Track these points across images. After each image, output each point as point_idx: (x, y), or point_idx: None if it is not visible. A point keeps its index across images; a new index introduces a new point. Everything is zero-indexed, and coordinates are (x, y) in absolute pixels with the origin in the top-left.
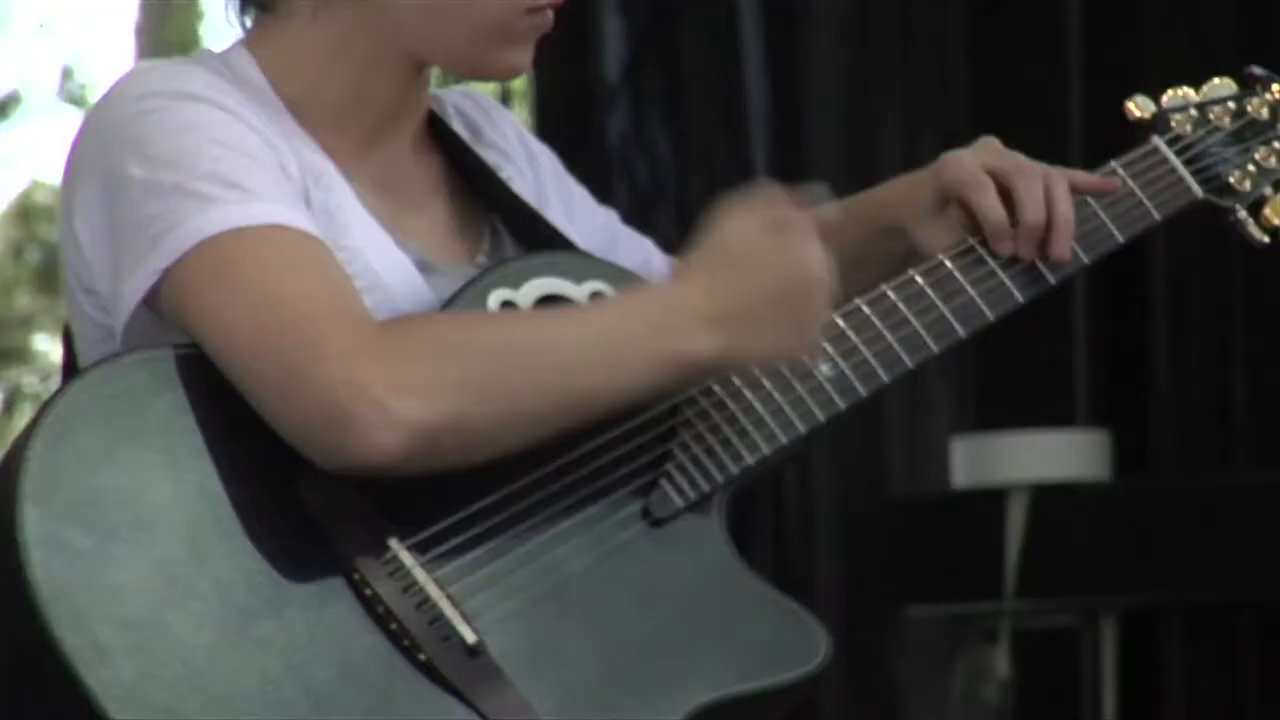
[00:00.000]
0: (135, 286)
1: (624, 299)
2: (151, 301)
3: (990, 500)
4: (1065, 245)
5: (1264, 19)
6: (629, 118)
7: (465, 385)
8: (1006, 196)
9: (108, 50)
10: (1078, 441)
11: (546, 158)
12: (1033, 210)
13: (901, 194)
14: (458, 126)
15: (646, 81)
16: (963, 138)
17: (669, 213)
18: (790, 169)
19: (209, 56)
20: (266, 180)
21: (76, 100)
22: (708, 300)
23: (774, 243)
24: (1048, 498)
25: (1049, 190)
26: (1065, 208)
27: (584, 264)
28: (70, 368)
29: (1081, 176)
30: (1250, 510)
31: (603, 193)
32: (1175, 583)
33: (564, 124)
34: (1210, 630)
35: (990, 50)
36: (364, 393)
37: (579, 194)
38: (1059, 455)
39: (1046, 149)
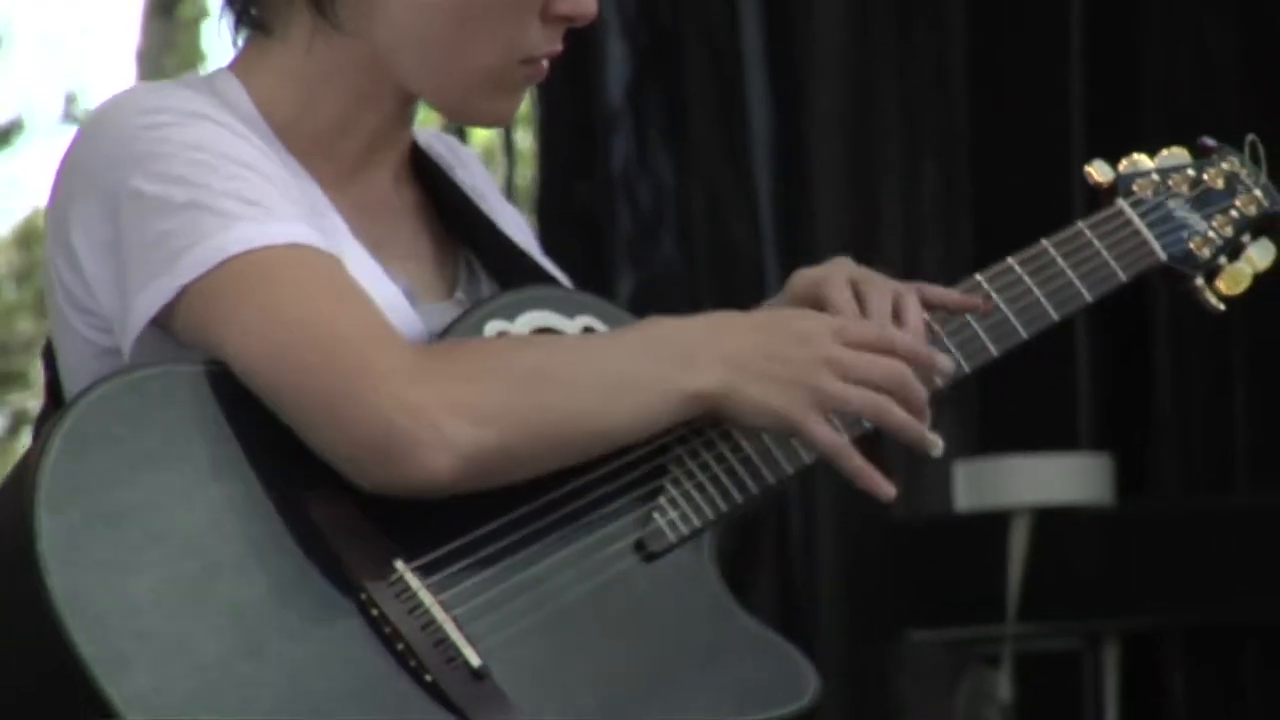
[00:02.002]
0: (149, 302)
1: (639, 334)
2: (162, 319)
3: (992, 523)
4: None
5: (1266, 23)
6: (631, 140)
7: (510, 409)
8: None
9: (110, 76)
10: (1080, 465)
11: (513, 213)
12: (878, 318)
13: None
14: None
15: (649, 104)
16: (963, 157)
17: (671, 235)
18: (792, 192)
19: (196, 82)
20: (282, 200)
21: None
22: (712, 337)
23: (789, 311)
24: (1050, 521)
25: (897, 301)
26: (914, 317)
27: (575, 299)
28: (53, 387)
29: (938, 292)
30: (1252, 533)
31: (605, 215)
32: (1178, 606)
33: (567, 147)
34: (1213, 653)
35: (989, 68)
36: (417, 415)
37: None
38: (1061, 479)
39: (1046, 153)
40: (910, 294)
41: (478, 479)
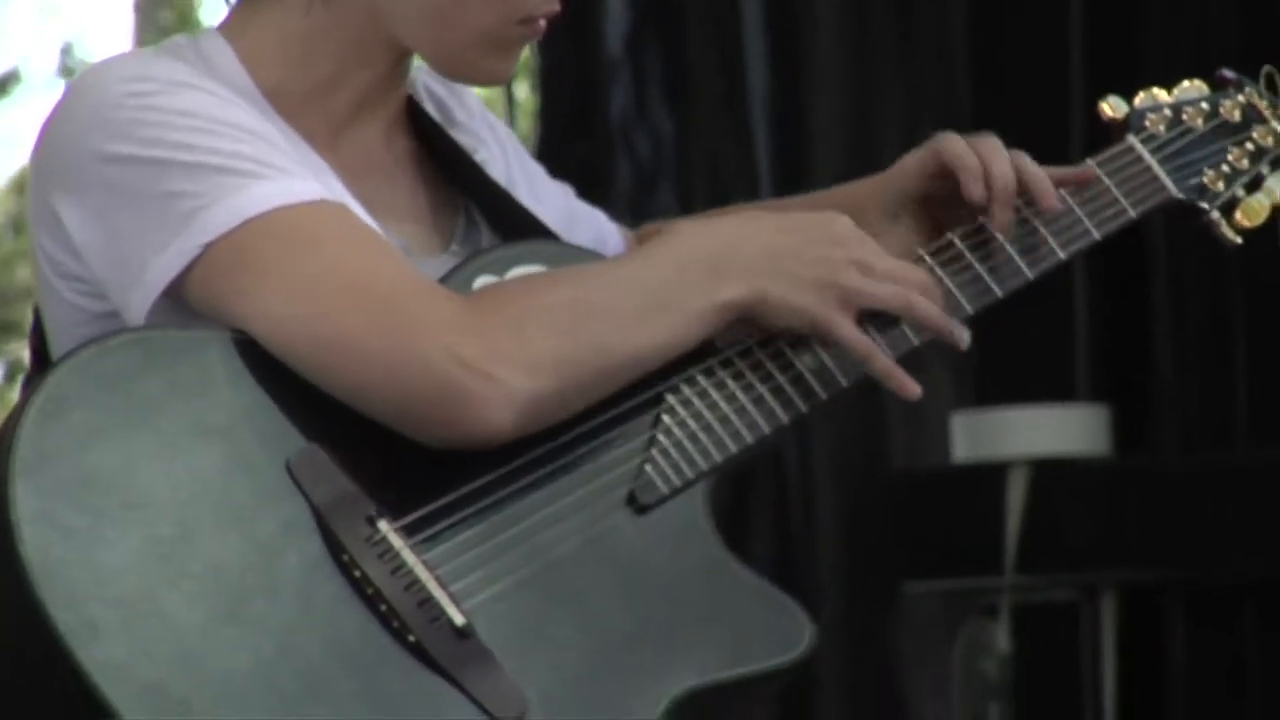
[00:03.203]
0: (166, 265)
1: (665, 251)
2: (174, 285)
3: (990, 475)
4: (1049, 196)
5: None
6: (630, 93)
7: (560, 352)
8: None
9: (107, 28)
10: (1077, 417)
11: (507, 135)
12: (1001, 168)
13: (857, 198)
14: (429, 108)
15: (648, 58)
16: (963, 113)
17: (670, 188)
18: (791, 144)
19: (181, 46)
20: (289, 159)
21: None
22: (739, 243)
23: (816, 214)
24: (1047, 473)
25: (1014, 157)
26: (1033, 167)
27: (565, 252)
28: (39, 349)
29: (1056, 170)
30: (1250, 485)
31: (605, 168)
32: (1175, 557)
33: (566, 100)
34: (1210, 605)
35: (990, 25)
36: (473, 369)
37: (536, 170)
38: (1059, 430)
39: (1047, 139)
40: (1020, 154)
41: (534, 424)
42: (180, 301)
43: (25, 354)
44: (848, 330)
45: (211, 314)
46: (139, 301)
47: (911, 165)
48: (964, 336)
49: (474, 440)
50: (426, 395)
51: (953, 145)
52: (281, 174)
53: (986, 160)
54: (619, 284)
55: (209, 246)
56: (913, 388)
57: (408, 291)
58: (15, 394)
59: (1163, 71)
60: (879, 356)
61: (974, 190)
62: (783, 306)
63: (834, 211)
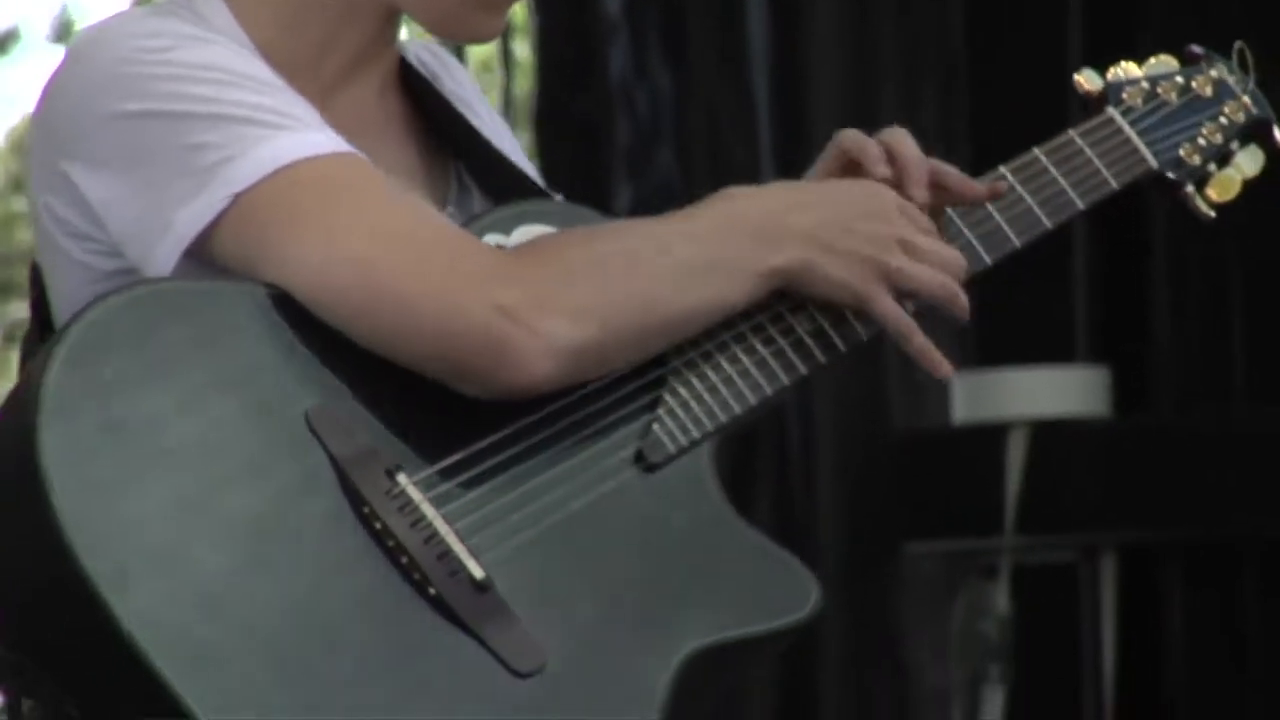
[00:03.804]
0: (194, 217)
1: (714, 213)
2: (198, 241)
3: (990, 437)
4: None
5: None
6: (630, 53)
7: (602, 304)
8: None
9: None
10: (1077, 378)
11: (499, 121)
12: (907, 149)
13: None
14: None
15: (647, 16)
16: (961, 73)
17: (670, 148)
18: (790, 102)
19: (177, 5)
20: (309, 113)
21: (74, 37)
22: (788, 212)
23: (860, 184)
24: (1047, 434)
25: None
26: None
27: (572, 212)
28: (40, 308)
29: (958, 179)
30: (1249, 446)
31: (604, 127)
32: (1175, 518)
33: (566, 59)
34: (1210, 565)
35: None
36: (514, 318)
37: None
38: (1058, 391)
39: (1044, 65)
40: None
41: (575, 375)
42: (201, 257)
43: (26, 315)
44: (889, 308)
45: (241, 265)
46: (164, 256)
47: (820, 169)
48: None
49: (513, 389)
50: (467, 343)
51: (850, 134)
52: (304, 126)
53: (890, 143)
54: (668, 241)
55: (238, 197)
56: (946, 368)
57: (449, 240)
58: (15, 356)
59: (1163, 42)
60: (918, 335)
61: (877, 170)
62: (827, 279)
63: (879, 184)
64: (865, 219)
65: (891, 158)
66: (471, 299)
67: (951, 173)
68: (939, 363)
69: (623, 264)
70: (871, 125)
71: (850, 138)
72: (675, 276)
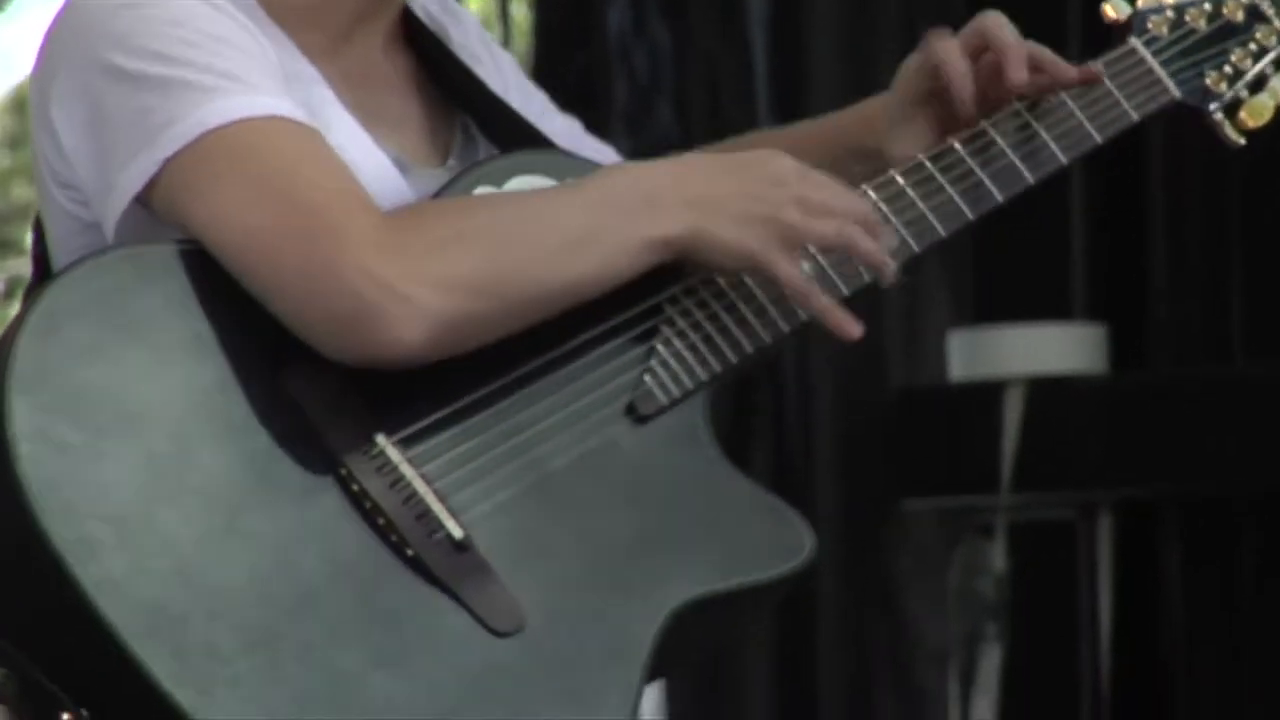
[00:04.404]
0: (131, 179)
1: (601, 183)
2: (145, 196)
3: (987, 394)
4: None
5: None
6: (628, 9)
7: (476, 274)
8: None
9: None
10: (1074, 334)
11: (509, 64)
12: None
13: (866, 114)
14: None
15: None
16: (958, 18)
17: (668, 107)
18: (788, 58)
19: None
20: (263, 74)
21: None
22: (678, 181)
23: (756, 152)
24: (1044, 391)
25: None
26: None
27: (565, 162)
28: (42, 260)
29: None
30: (1247, 403)
31: (602, 84)
32: (1172, 476)
33: (563, 16)
34: (1207, 523)
35: None
36: (389, 287)
37: (540, 99)
38: (1056, 348)
39: (1044, 14)
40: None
41: (450, 346)
42: (149, 214)
43: (24, 271)
44: (785, 269)
45: (176, 226)
46: (109, 214)
47: (910, 69)
48: (891, 274)
49: (385, 358)
50: (337, 310)
51: (943, 48)
52: (246, 88)
53: (986, 28)
54: (549, 212)
55: (167, 162)
56: (851, 327)
57: (338, 208)
58: (13, 313)
59: None
60: (816, 296)
61: (1016, 74)
62: (720, 245)
63: (772, 149)
64: (756, 183)
65: (988, 42)
66: (344, 266)
67: (1049, 56)
68: (842, 322)
69: (501, 234)
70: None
71: (938, 43)
72: (555, 247)
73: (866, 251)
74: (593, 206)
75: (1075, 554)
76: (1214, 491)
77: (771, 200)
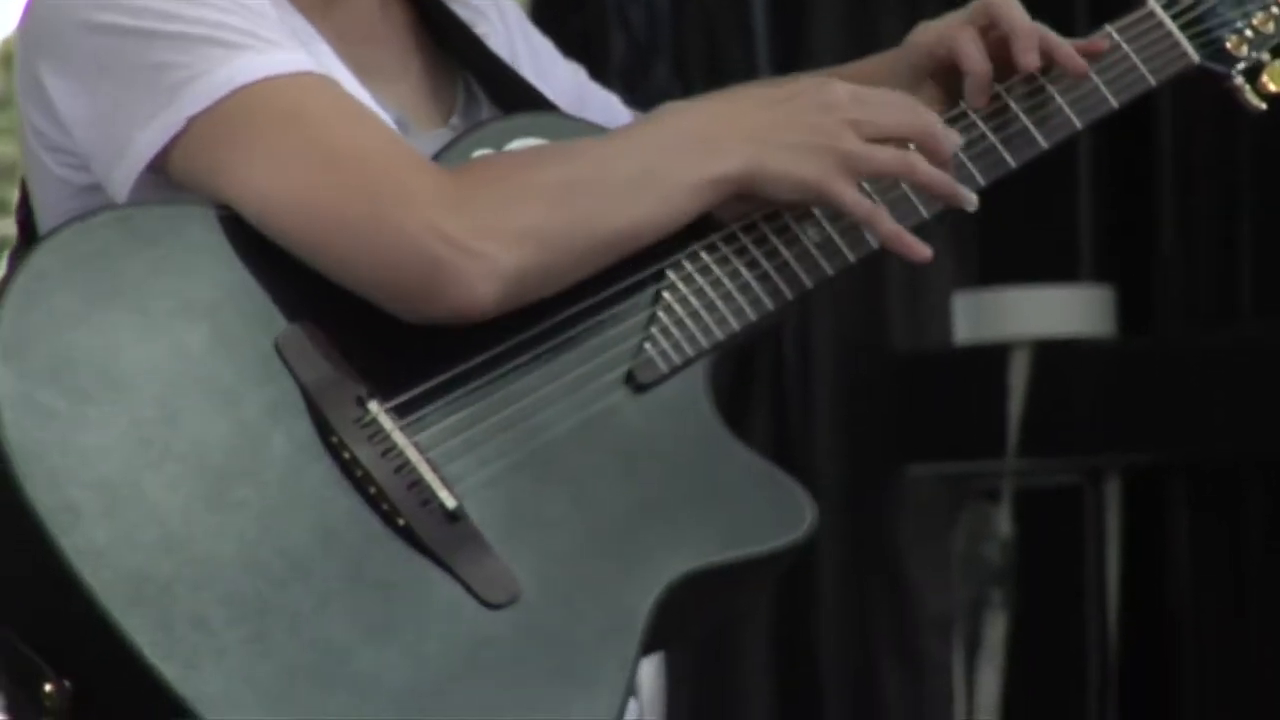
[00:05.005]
0: (151, 138)
1: (655, 126)
2: (160, 158)
3: (992, 357)
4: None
5: None
6: None
7: (545, 226)
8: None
9: None
10: (1081, 297)
11: (513, 12)
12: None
13: (867, 72)
14: None
15: None
16: None
17: (666, 63)
18: (788, 15)
19: None
20: (277, 32)
21: None
22: (732, 118)
23: (806, 80)
24: (1050, 354)
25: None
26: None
27: (566, 125)
28: (27, 224)
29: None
30: (1255, 367)
31: (599, 41)
32: (1179, 440)
33: None
34: (1214, 487)
35: None
36: (457, 244)
37: (545, 48)
38: (1062, 311)
39: (1051, 4)
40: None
41: (519, 299)
42: (164, 177)
43: (8, 232)
44: (849, 195)
45: (196, 189)
46: (122, 176)
47: (922, 45)
48: (971, 199)
49: (457, 315)
50: (408, 270)
51: (962, 38)
52: (268, 45)
53: (995, 7)
54: (608, 159)
55: (193, 120)
56: (922, 250)
57: (393, 165)
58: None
59: None
60: (885, 220)
61: (1026, 59)
62: (780, 178)
63: (827, 77)
64: (812, 112)
65: (996, 22)
66: (412, 225)
67: (1056, 40)
68: (913, 246)
69: (563, 183)
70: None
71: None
72: (616, 192)
73: (929, 177)
74: (650, 150)
75: (1082, 519)
76: (1221, 455)
77: (827, 129)
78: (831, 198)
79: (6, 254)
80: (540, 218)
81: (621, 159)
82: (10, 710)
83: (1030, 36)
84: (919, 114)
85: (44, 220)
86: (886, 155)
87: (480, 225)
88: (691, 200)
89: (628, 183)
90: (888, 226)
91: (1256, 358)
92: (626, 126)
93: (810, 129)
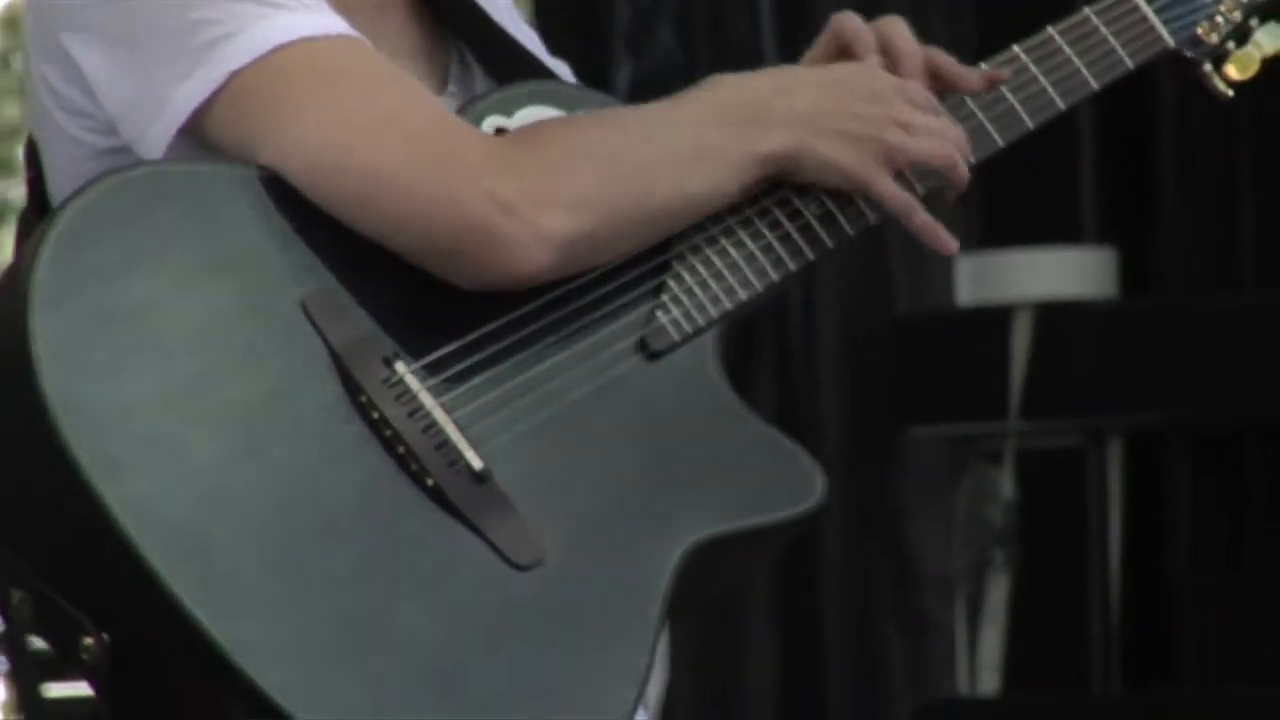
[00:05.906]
0: (189, 95)
1: (705, 99)
2: (194, 120)
3: (995, 319)
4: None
5: None
6: None
7: (597, 195)
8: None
9: None
10: (1083, 259)
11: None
12: (903, 40)
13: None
14: None
15: None
16: None
17: (670, 26)
18: None
19: None
20: None
21: None
22: (781, 97)
23: (855, 66)
24: (1053, 316)
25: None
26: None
27: (574, 94)
28: (37, 186)
29: (955, 69)
30: (1256, 329)
31: (604, 8)
32: (1181, 402)
33: None
34: (1216, 450)
35: None
36: (515, 210)
37: (534, 39)
38: (1064, 273)
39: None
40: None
41: (570, 267)
42: (197, 139)
43: (11, 195)
44: (887, 187)
45: (235, 146)
46: (158, 134)
47: (814, 54)
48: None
49: (510, 281)
50: (462, 235)
51: (845, 18)
52: (304, 8)
53: (885, 32)
54: (661, 129)
55: (235, 75)
56: (952, 244)
57: (444, 129)
58: (3, 236)
59: None
60: (920, 212)
61: (866, 58)
62: (825, 164)
63: (875, 66)
64: (859, 100)
65: (885, 47)
66: (467, 190)
67: (948, 62)
68: (944, 239)
69: (615, 153)
70: (875, 6)
71: (844, 21)
72: (669, 164)
73: (962, 177)
74: (700, 123)
75: (1084, 481)
76: (1223, 417)
77: (873, 119)
78: (871, 188)
79: (15, 218)
80: (593, 186)
81: (673, 130)
82: (18, 670)
83: (915, 61)
84: (956, 127)
85: (56, 181)
86: (928, 149)
87: (535, 192)
88: (740, 175)
89: (680, 155)
90: (921, 219)
91: (1257, 319)
92: (674, 97)
93: (858, 117)
